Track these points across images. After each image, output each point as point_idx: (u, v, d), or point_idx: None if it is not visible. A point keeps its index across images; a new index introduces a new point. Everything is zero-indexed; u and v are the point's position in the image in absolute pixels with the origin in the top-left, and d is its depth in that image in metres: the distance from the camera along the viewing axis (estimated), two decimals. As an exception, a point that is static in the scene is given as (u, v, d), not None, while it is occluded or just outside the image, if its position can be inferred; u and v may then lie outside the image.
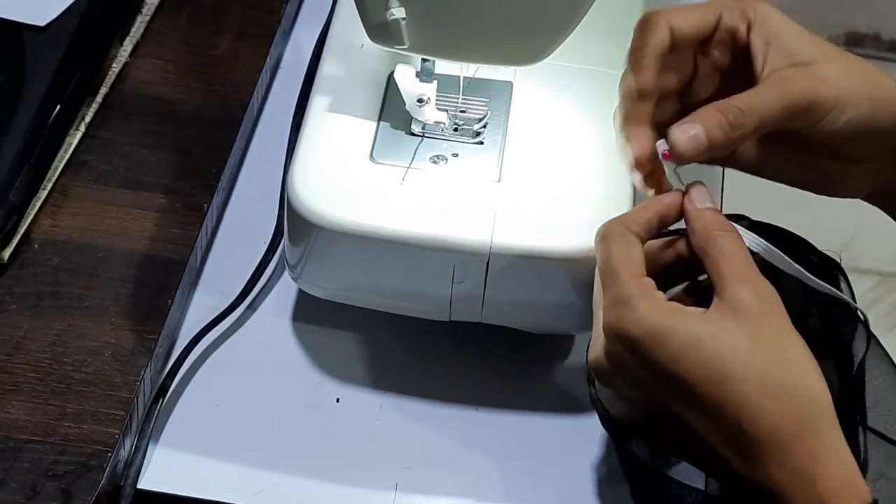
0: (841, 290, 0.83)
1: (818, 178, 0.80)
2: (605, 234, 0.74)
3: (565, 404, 0.87)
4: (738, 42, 0.78)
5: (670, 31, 0.76)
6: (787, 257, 0.76)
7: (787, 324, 0.70)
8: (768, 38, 0.77)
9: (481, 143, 0.86)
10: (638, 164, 0.77)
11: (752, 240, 0.76)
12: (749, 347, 0.68)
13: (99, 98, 0.98)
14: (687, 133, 0.74)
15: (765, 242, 0.77)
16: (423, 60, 0.86)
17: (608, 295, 0.72)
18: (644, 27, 0.77)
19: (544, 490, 0.83)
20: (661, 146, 0.75)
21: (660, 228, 0.75)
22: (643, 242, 0.74)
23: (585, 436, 0.86)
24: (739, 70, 0.78)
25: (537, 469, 0.84)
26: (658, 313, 0.70)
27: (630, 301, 0.70)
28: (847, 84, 0.76)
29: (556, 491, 0.83)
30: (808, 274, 0.77)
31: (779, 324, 0.70)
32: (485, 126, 0.87)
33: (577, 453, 0.85)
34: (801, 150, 0.78)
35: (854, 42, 2.19)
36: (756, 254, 0.75)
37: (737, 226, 0.75)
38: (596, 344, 0.73)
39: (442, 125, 0.86)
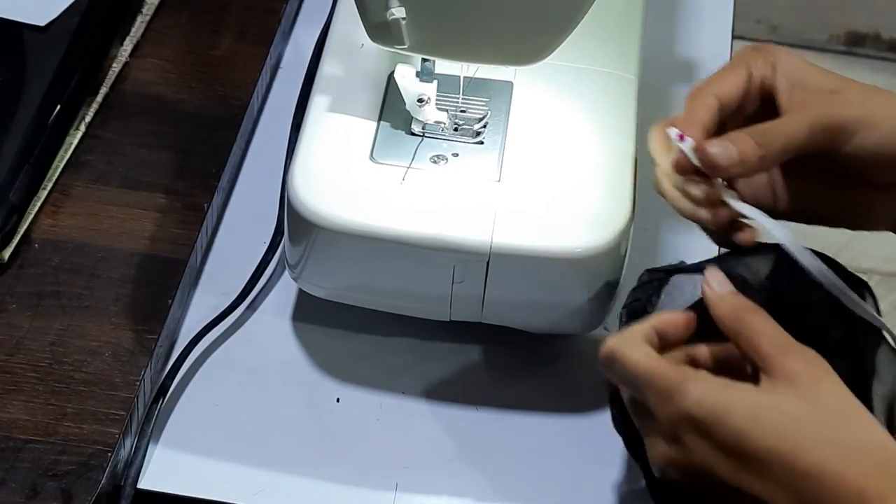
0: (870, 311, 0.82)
1: (849, 210, 0.80)
2: (613, 351, 0.73)
3: (565, 404, 0.87)
4: (764, 89, 0.79)
5: (717, 102, 0.77)
6: (832, 275, 0.76)
7: (841, 384, 0.70)
8: (792, 80, 0.78)
9: (481, 142, 0.86)
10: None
11: (797, 248, 0.75)
12: (811, 413, 0.68)
13: (99, 98, 0.98)
14: (719, 146, 0.75)
15: (815, 258, 0.76)
16: (423, 60, 0.86)
17: (655, 397, 0.71)
18: (692, 102, 0.77)
19: (544, 490, 0.83)
20: (673, 131, 0.75)
21: (659, 341, 0.74)
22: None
23: (585, 436, 0.86)
24: (765, 115, 0.79)
25: (537, 469, 0.84)
26: (711, 389, 0.69)
27: (679, 388, 0.70)
28: (871, 107, 0.76)
29: (555, 491, 0.83)
30: (849, 293, 0.76)
31: (834, 386, 0.69)
32: (485, 126, 0.87)
33: (577, 453, 0.85)
34: (833, 180, 0.79)
35: (854, 42, 2.19)
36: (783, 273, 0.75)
37: (777, 224, 0.75)
38: (656, 455, 0.72)
39: (442, 125, 0.86)
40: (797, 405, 0.68)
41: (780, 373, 0.69)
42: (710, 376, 0.70)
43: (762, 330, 0.71)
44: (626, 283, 0.85)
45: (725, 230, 0.78)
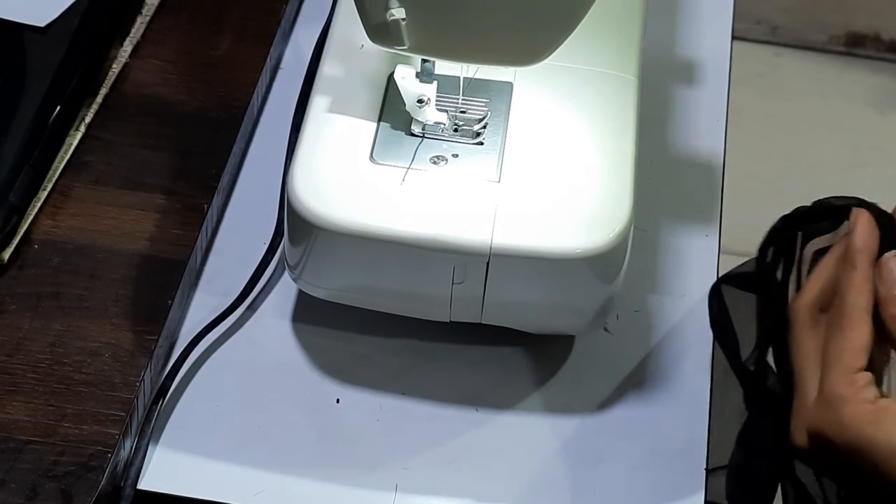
0: None
1: None
2: (850, 313, 0.72)
3: (565, 404, 0.87)
4: None
5: None
6: None
7: None
8: None
9: (481, 143, 0.86)
10: None
11: None
12: None
13: (99, 98, 0.98)
14: None
15: None
16: (423, 61, 0.86)
17: (822, 385, 0.71)
18: None
19: (544, 490, 0.83)
20: None
21: None
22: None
23: (585, 436, 0.86)
24: None
25: (537, 469, 0.84)
26: (861, 421, 0.69)
27: (835, 403, 0.70)
28: None
29: (555, 491, 0.83)
30: None
31: None
32: (485, 126, 0.87)
33: (577, 453, 0.85)
34: None
35: (854, 42, 2.19)
36: None
37: None
38: (798, 423, 0.73)
39: (442, 126, 0.86)
40: None
41: None
42: (868, 401, 0.70)
43: None
44: (627, 284, 0.85)
45: None
